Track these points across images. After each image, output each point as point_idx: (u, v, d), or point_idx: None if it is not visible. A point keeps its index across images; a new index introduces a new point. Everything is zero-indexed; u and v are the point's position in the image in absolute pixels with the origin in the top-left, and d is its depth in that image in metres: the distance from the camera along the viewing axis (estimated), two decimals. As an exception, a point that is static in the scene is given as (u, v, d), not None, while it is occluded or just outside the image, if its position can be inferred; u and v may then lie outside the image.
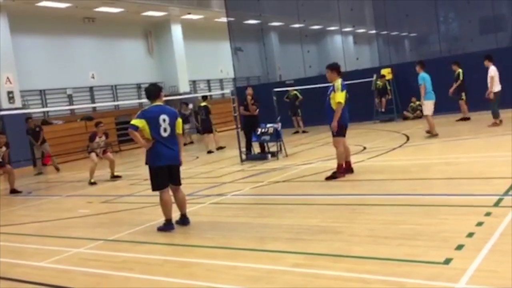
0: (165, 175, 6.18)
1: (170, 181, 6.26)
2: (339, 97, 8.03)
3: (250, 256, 4.85)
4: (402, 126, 15.71)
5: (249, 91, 12.86)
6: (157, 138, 6.10)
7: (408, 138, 12.43)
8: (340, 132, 8.25)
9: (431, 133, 11.91)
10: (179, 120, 6.33)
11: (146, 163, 6.30)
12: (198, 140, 22.31)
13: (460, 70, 14.43)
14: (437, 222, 5.14)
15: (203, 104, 16.07)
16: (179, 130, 6.31)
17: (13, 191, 11.67)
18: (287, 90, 18.22)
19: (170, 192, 6.31)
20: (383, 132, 14.74)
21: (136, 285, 4.49)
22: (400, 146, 11.30)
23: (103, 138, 12.16)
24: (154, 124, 6.09)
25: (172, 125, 6.20)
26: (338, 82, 8.14)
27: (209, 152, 15.14)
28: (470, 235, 4.55)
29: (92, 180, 11.61)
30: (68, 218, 8.02)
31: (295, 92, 18.31)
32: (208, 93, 25.23)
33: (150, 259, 5.20)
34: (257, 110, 12.55)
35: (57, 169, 15.99)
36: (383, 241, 4.74)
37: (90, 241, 6.21)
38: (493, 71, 12.57)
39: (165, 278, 4.55)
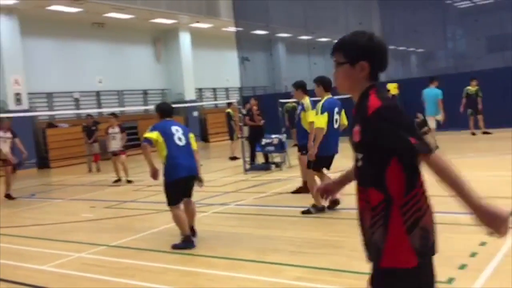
0: (180, 188, 5.89)
1: (184, 195, 6.04)
2: (312, 117, 6.88)
3: (251, 268, 4.85)
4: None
5: (253, 101, 12.93)
6: (172, 148, 5.85)
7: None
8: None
9: None
10: (192, 136, 6.17)
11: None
12: (203, 148, 22.37)
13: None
14: (440, 240, 5.10)
15: (226, 110, 15.93)
16: (194, 146, 6.11)
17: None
18: (286, 102, 18.08)
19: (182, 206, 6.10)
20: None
21: (137, 292, 4.50)
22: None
23: (117, 129, 12.37)
24: (167, 134, 5.88)
25: (186, 137, 6.04)
26: (307, 100, 7.35)
27: (233, 158, 14.98)
28: (473, 254, 4.54)
29: (116, 178, 12.25)
30: (71, 222, 8.04)
31: (294, 104, 18.16)
32: (216, 102, 25.38)
33: (151, 266, 5.21)
34: (262, 121, 12.60)
35: (98, 170, 15.71)
36: (386, 257, 4.72)
37: (92, 246, 6.22)
38: None
39: (166, 287, 4.55)
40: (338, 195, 6.61)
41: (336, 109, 6.78)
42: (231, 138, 15.41)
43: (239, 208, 7.90)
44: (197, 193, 9.32)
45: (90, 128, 15.78)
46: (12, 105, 17.86)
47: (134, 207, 8.83)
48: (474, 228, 5.70)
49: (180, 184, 5.87)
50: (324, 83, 6.80)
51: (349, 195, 8.05)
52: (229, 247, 5.61)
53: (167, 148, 5.85)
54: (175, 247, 5.77)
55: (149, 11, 21.02)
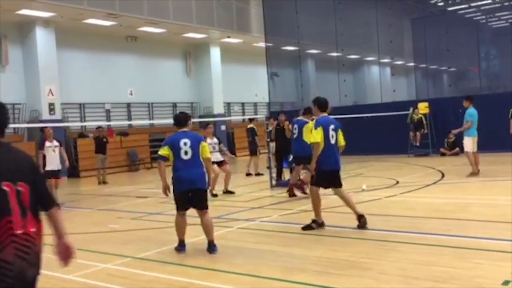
0: (184, 200, 6.24)
1: (193, 206, 6.29)
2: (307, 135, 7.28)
3: (276, 286, 4.79)
4: (437, 162, 15.39)
5: (282, 117, 12.88)
6: (177, 162, 6.20)
7: (443, 175, 12.16)
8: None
9: (472, 171, 11.64)
10: (203, 144, 6.36)
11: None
12: (230, 162, 22.44)
13: None
14: (471, 266, 4.97)
15: (250, 126, 16.00)
16: (204, 154, 6.32)
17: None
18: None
19: (196, 214, 6.37)
20: (417, 167, 14.48)
21: (161, 306, 4.49)
22: (434, 183, 11.07)
23: (215, 140, 11.19)
24: (175, 148, 6.21)
25: (194, 148, 6.23)
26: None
27: (248, 174, 15.10)
28: (506, 283, 4.37)
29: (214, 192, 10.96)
30: (98, 232, 8.14)
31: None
32: (244, 116, 25.51)
33: (175, 281, 5.20)
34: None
35: (104, 182, 15.93)
36: (414, 282, 4.61)
37: (118, 257, 6.26)
38: None
39: (189, 302, 4.53)
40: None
41: (332, 126, 7.05)
42: (255, 154, 15.45)
43: (264, 225, 7.85)
44: (223, 208, 9.37)
45: (102, 140, 15.96)
46: (46, 115, 18.34)
47: (160, 220, 8.88)
48: (506, 255, 5.53)
49: (182, 196, 6.24)
50: (319, 103, 7.25)
51: (375, 215, 7.92)
52: (254, 264, 5.56)
53: (173, 162, 6.25)
54: (175, 248, 6.42)
55: (181, 25, 21.38)
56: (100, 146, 15.89)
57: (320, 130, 6.90)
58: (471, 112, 11.60)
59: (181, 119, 6.51)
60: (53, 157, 10.86)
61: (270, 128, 12.89)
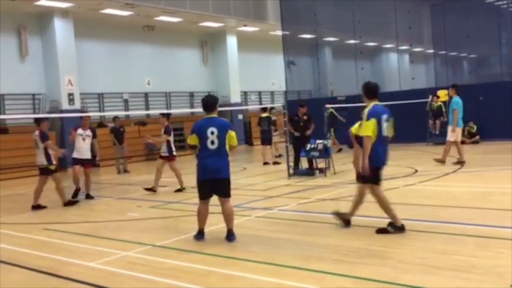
0: (207, 188, 6.25)
1: (216, 193, 6.32)
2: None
3: (294, 275, 4.81)
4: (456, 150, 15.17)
5: (302, 110, 12.62)
6: (203, 150, 6.20)
7: (462, 164, 12.02)
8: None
9: (441, 160, 11.93)
10: (231, 133, 6.28)
11: None
12: (247, 151, 22.48)
13: None
14: (492, 255, 4.93)
15: (265, 115, 15.99)
16: (231, 142, 6.30)
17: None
18: (336, 108, 17.78)
19: (218, 203, 6.39)
20: (437, 156, 14.30)
21: (181, 294, 4.54)
22: (453, 172, 10.95)
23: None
24: (202, 136, 6.19)
25: (221, 137, 6.19)
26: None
27: (265, 163, 15.16)
28: (528, 272, 4.33)
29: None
30: (119, 221, 8.26)
31: (331, 110, 17.56)
32: (265, 106, 25.46)
33: (195, 268, 5.26)
34: (310, 130, 12.39)
35: (125, 171, 16.18)
36: (434, 271, 4.58)
37: (138, 245, 6.35)
38: None
39: (209, 290, 4.58)
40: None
41: (385, 117, 6.20)
42: (269, 143, 15.53)
43: (282, 213, 7.87)
44: (241, 197, 9.40)
45: (119, 130, 16.10)
46: (65, 105, 18.56)
47: (178, 208, 8.96)
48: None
49: (206, 184, 6.26)
50: (366, 90, 6.32)
51: (394, 204, 7.86)
52: (272, 253, 5.59)
53: (199, 149, 6.25)
54: (194, 237, 6.45)
55: (197, 14, 21.36)
56: (118, 136, 16.05)
57: (373, 122, 6.04)
58: (458, 101, 11.60)
59: (211, 104, 6.38)
60: (81, 145, 10.72)
61: (276, 118, 12.79)
